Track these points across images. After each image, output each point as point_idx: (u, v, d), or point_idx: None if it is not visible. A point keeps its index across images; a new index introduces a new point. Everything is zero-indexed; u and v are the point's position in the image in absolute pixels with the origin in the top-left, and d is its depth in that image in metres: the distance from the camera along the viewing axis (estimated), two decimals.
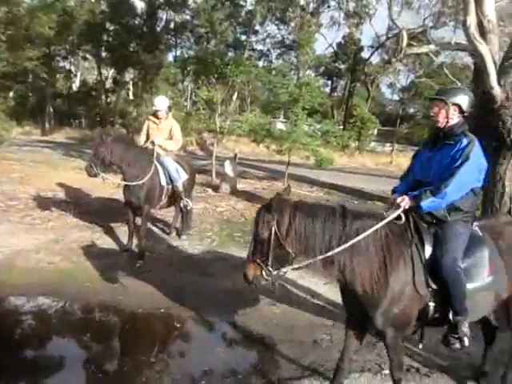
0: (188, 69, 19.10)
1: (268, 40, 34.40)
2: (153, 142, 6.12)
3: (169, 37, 29.96)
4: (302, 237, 2.76)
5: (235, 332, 4.32)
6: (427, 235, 2.96)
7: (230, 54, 26.07)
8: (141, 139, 6.41)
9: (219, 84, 11.66)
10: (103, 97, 28.84)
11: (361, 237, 2.75)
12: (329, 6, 29.41)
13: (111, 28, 26.97)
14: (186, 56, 29.68)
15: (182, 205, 6.32)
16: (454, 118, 3.04)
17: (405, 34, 10.60)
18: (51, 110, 27.70)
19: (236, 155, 11.56)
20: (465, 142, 2.95)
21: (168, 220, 7.29)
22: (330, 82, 35.79)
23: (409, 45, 11.55)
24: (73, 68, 35.02)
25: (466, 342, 2.95)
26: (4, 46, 13.20)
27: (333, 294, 5.01)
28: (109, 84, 31.15)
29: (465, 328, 2.93)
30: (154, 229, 6.95)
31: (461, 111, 3.04)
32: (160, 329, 4.50)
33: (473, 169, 2.93)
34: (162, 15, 29.32)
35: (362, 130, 25.13)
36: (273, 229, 2.73)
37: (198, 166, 10.83)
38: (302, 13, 29.15)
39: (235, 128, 12.46)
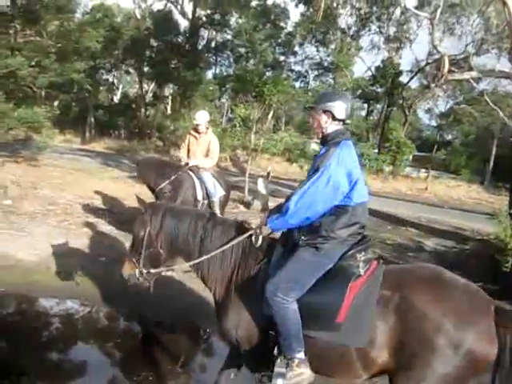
0: (226, 86, 19.49)
1: (306, 61, 34.75)
2: (187, 164, 6.32)
3: (209, 55, 30.76)
4: (168, 240, 2.84)
5: None
6: (276, 258, 2.66)
7: (268, 73, 26.36)
8: (181, 152, 6.59)
9: (256, 102, 11.80)
10: (142, 110, 29.66)
11: (218, 251, 2.73)
12: (369, 30, 29.43)
13: (155, 44, 27.89)
14: (225, 74, 30.36)
15: None
16: (329, 127, 2.67)
17: (446, 59, 10.49)
18: (92, 120, 28.70)
19: (269, 173, 11.53)
20: (323, 151, 2.60)
21: None
22: (366, 106, 35.60)
23: (450, 71, 11.41)
24: (115, 81, 36.30)
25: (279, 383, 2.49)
26: (54, 57, 13.82)
27: None
28: (148, 98, 32.07)
29: (280, 368, 2.49)
30: None
31: (335, 118, 2.65)
32: (183, 339, 4.51)
33: (324, 183, 2.48)
34: (204, 34, 30.16)
35: (397, 155, 24.75)
36: (147, 230, 2.82)
37: (231, 182, 10.92)
38: (343, 35, 29.29)
39: (270, 146, 12.54)
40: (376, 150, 25.34)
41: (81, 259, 5.74)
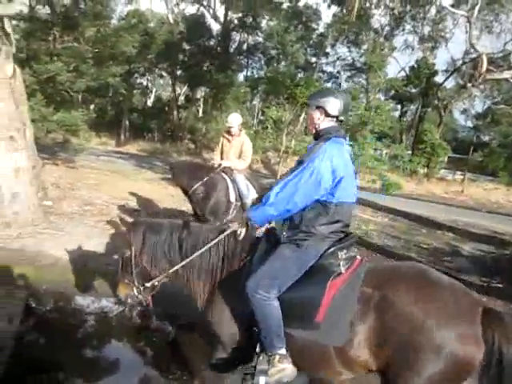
0: (258, 88, 19.57)
1: (338, 62, 34.46)
2: (220, 165, 6.36)
3: (241, 57, 30.94)
4: (150, 255, 2.88)
5: None
6: (259, 254, 2.64)
7: (299, 75, 26.30)
8: (215, 154, 6.65)
9: (288, 104, 11.81)
10: (175, 113, 30.12)
11: (196, 254, 2.76)
12: (403, 30, 28.93)
13: (187, 48, 28.30)
14: (257, 76, 30.46)
15: None
16: (323, 123, 2.65)
17: (484, 58, 10.19)
18: (127, 123, 29.38)
19: None
20: (311, 146, 2.61)
21: None
22: (399, 107, 34.96)
23: (488, 70, 11.06)
24: (149, 84, 37.03)
25: (261, 381, 2.46)
26: (91, 62, 14.27)
27: None
28: (181, 101, 32.55)
29: (262, 365, 2.48)
30: None
31: (328, 115, 2.62)
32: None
33: (307, 176, 2.44)
34: (236, 37, 30.39)
35: (432, 157, 24.19)
36: (132, 249, 2.87)
37: (263, 184, 10.94)
38: (376, 36, 28.90)
39: (301, 148, 12.51)
40: (410, 152, 24.84)
41: (116, 259, 5.86)
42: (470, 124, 39.31)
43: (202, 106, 32.00)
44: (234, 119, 6.47)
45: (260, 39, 31.35)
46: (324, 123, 2.65)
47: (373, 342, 2.31)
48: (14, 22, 8.71)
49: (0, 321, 4.44)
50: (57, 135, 13.91)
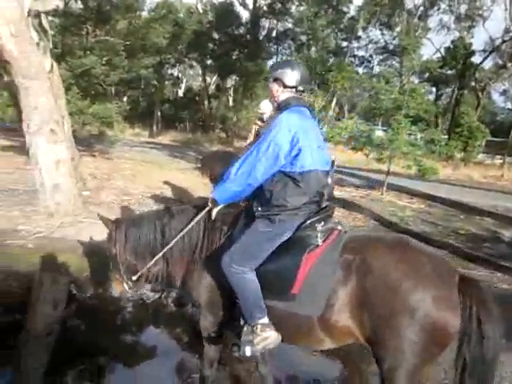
0: None
1: (370, 46, 33.69)
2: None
3: (270, 44, 30.69)
4: (134, 248, 2.90)
5: None
6: (237, 230, 2.65)
7: (330, 60, 25.86)
8: (249, 143, 6.64)
9: (320, 90, 11.67)
10: (206, 102, 30.33)
11: (176, 239, 2.78)
12: (439, 9, 27.94)
13: (217, 37, 28.32)
14: None
15: None
16: (282, 95, 2.63)
17: None
18: (159, 114, 29.81)
19: (333, 162, 11.44)
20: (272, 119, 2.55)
21: None
22: (434, 89, 33.92)
23: None
24: (180, 75, 37.33)
25: (247, 351, 2.51)
26: (124, 55, 14.52)
27: None
28: (211, 90, 32.70)
29: (247, 336, 2.52)
30: None
31: (285, 86, 2.61)
32: None
33: (264, 148, 2.42)
34: (265, 24, 30.14)
35: (469, 140, 23.43)
36: (116, 246, 2.90)
37: None
38: (409, 17, 28.03)
39: (334, 135, 12.36)
40: (446, 136, 24.12)
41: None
42: (509, 106, 37.76)
43: (232, 94, 32.05)
44: (266, 106, 6.44)
45: (289, 25, 30.99)
46: (283, 94, 2.64)
47: (353, 306, 2.33)
48: (49, 18, 8.94)
49: (46, 306, 4.67)
50: (92, 127, 14.27)
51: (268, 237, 2.49)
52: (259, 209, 2.55)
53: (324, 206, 2.59)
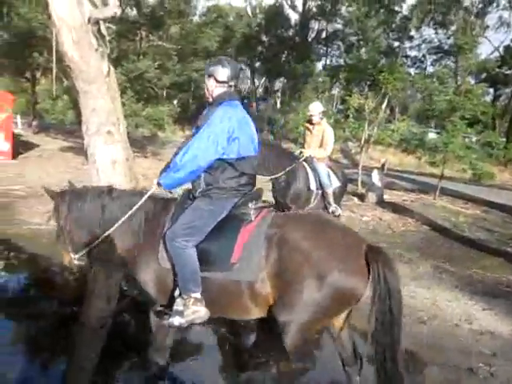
0: (340, 77, 19.15)
1: (423, 45, 32.65)
2: (301, 152, 6.32)
3: (319, 46, 30.48)
4: (76, 221, 2.97)
5: None
6: (180, 209, 2.82)
7: (381, 61, 25.28)
8: (299, 144, 6.64)
9: (370, 91, 11.44)
10: (254, 104, 30.53)
11: (124, 218, 2.88)
12: (497, 6, 26.64)
13: (265, 40, 28.48)
14: (336, 64, 29.84)
15: (330, 211, 6.33)
16: (215, 90, 2.87)
17: None
18: None
19: (384, 165, 11.20)
20: (206, 112, 2.87)
21: None
22: (492, 90, 32.35)
23: None
24: None
25: (175, 321, 2.71)
26: (176, 58, 14.91)
27: (493, 321, 4.53)
28: (259, 93, 32.90)
29: (179, 307, 2.71)
30: None
31: (218, 81, 2.84)
32: None
33: (205, 139, 2.68)
34: (314, 25, 29.98)
35: None
36: (60, 217, 2.98)
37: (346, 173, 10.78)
38: (466, 14, 26.92)
39: (385, 137, 12.06)
40: (504, 139, 22.95)
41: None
42: None
43: (280, 97, 32.08)
44: (315, 107, 6.42)
45: (339, 26, 30.64)
46: (217, 90, 2.87)
47: (273, 275, 2.58)
48: (107, 25, 9.31)
49: (100, 301, 4.86)
50: (144, 129, 14.74)
51: (209, 213, 2.73)
52: (200, 190, 2.80)
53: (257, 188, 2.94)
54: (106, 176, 6.91)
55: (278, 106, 32.69)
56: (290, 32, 28.58)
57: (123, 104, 10.53)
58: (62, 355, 3.45)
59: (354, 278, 2.49)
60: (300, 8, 28.86)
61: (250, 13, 31.15)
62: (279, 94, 32.30)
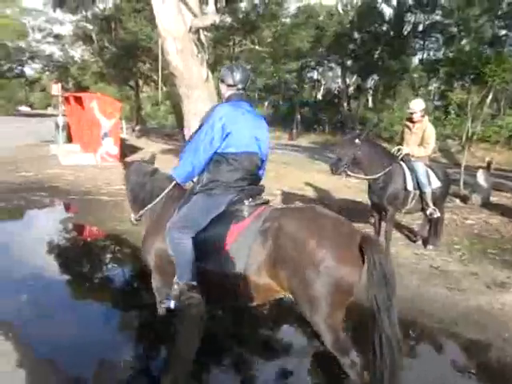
0: (439, 71, 18.07)
1: None
2: (399, 149, 6.10)
3: (416, 40, 29.05)
4: (130, 191, 3.58)
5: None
6: (183, 202, 3.07)
7: (486, 52, 23.38)
8: (397, 143, 6.43)
9: (474, 85, 10.66)
10: (345, 104, 30.00)
11: (158, 199, 3.33)
12: None
13: (357, 37, 27.83)
14: (434, 58, 28.21)
15: (428, 213, 6.04)
16: (226, 93, 3.15)
17: None
18: (298, 117, 30.39)
19: (490, 164, 10.39)
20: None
21: (413, 227, 7.09)
22: None
23: None
24: (319, 77, 37.58)
25: (172, 304, 2.97)
26: (269, 61, 15.17)
27: None
28: (350, 92, 32.24)
29: (175, 291, 2.95)
30: (399, 234, 6.85)
31: (228, 85, 3.12)
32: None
33: (203, 135, 2.95)
34: (410, 18, 28.64)
35: None
36: (125, 184, 3.63)
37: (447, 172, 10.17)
38: None
39: (491, 134, 11.18)
40: None
41: None
42: None
43: (371, 95, 31.16)
44: (417, 105, 6.16)
45: (438, 17, 28.90)
46: (228, 92, 3.15)
47: (270, 265, 2.70)
48: (205, 33, 9.79)
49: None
50: None
51: (206, 207, 2.93)
52: (199, 185, 3.03)
53: (257, 186, 3.12)
54: None
55: (370, 104, 31.76)
56: (384, 27, 27.61)
57: None
58: (164, 344, 3.66)
59: (347, 266, 2.57)
60: (394, 1, 27.78)
61: (341, 10, 30.64)
62: (371, 92, 31.38)
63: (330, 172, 6.01)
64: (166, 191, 3.30)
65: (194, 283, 2.92)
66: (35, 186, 9.53)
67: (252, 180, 3.07)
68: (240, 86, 3.14)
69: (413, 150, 6.08)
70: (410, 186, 5.91)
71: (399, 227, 7.12)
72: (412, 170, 5.97)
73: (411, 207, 6.04)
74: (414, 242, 6.62)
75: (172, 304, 2.99)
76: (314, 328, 2.68)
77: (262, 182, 3.25)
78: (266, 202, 3.11)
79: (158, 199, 3.34)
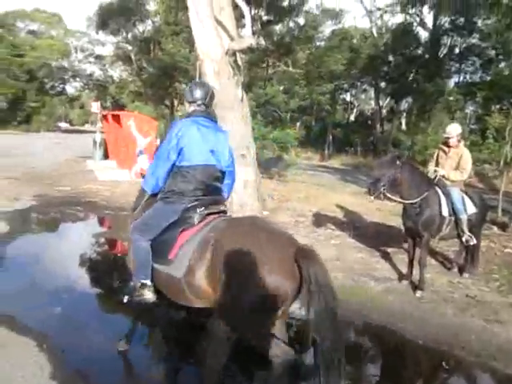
0: (477, 94, 17.75)
1: None
2: (435, 171, 5.99)
3: (451, 63, 28.70)
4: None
5: None
6: (148, 208, 3.38)
7: None
8: (429, 167, 6.31)
9: None
10: (378, 126, 29.77)
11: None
12: None
13: (392, 59, 27.75)
14: (470, 81, 27.76)
15: (464, 239, 5.87)
16: (189, 108, 3.41)
17: None
18: (330, 138, 30.35)
19: None
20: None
21: (447, 254, 6.90)
22: None
23: None
24: (352, 99, 37.54)
25: (125, 299, 3.35)
26: (303, 83, 15.32)
27: None
28: (383, 114, 32.01)
29: (130, 289, 3.32)
30: (433, 261, 6.67)
31: (189, 102, 3.41)
32: (427, 365, 4.21)
33: (162, 150, 3.25)
34: (447, 41, 28.35)
35: None
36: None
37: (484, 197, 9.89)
38: None
39: None
40: None
41: (331, 270, 6.06)
42: None
43: (405, 117, 30.82)
44: (453, 129, 6.06)
45: (475, 41, 28.51)
46: (190, 109, 3.40)
47: (208, 274, 2.81)
48: (241, 55, 10.00)
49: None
50: (268, 151, 15.31)
51: (162, 214, 3.17)
52: (161, 194, 3.30)
53: (213, 196, 3.27)
54: (238, 196, 7.34)
55: (404, 126, 31.39)
56: (419, 50, 27.44)
57: (252, 128, 11.13)
58: (191, 360, 3.69)
59: (281, 277, 2.61)
60: (430, 24, 27.62)
61: (375, 33, 30.70)
62: (405, 114, 31.06)
63: (363, 194, 5.93)
64: (144, 200, 3.57)
65: (148, 282, 3.18)
66: (72, 201, 9.82)
67: (208, 191, 3.26)
68: (200, 102, 3.36)
69: (449, 174, 5.96)
70: (446, 211, 5.76)
71: (434, 254, 6.94)
72: (447, 196, 5.84)
73: (446, 233, 5.88)
74: (449, 269, 6.43)
75: (125, 299, 3.35)
76: (242, 337, 2.86)
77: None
78: (222, 212, 3.30)
79: (138, 208, 3.60)
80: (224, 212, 3.33)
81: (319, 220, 8.64)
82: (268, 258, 2.63)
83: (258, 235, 2.78)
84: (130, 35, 32.87)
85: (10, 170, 13.09)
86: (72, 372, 3.38)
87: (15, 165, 14.58)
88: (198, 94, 3.35)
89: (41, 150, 21.87)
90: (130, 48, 33.48)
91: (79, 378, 3.33)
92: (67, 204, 9.44)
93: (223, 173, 3.39)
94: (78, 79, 55.79)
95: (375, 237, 7.71)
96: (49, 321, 4.18)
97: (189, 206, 3.14)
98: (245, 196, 7.36)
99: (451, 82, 29.72)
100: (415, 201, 5.61)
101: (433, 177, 6.00)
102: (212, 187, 3.29)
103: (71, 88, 59.60)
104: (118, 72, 47.82)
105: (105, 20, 31.06)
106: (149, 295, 3.23)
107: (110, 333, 4.02)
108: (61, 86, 56.19)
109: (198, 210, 3.13)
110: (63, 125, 64.02)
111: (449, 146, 6.10)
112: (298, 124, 33.79)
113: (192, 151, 3.17)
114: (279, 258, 2.65)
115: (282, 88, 19.74)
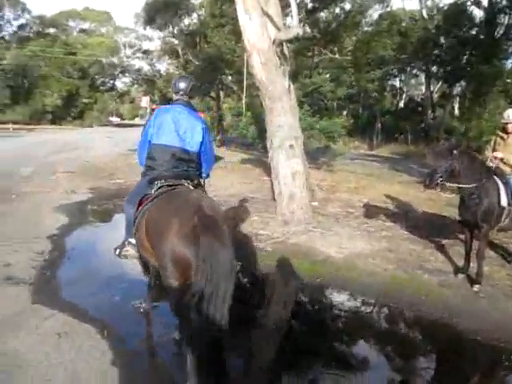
0: None
1: None
2: (495, 157, 5.70)
3: (509, 43, 27.05)
4: None
5: None
6: None
7: None
8: (487, 154, 6.01)
9: None
10: (429, 112, 28.66)
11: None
12: None
13: (443, 42, 26.53)
14: None
15: None
16: (174, 97, 4.04)
17: None
18: (379, 126, 29.57)
19: None
20: None
21: (507, 246, 6.59)
22: None
23: None
24: (401, 85, 36.34)
25: (117, 252, 3.92)
26: (351, 71, 15.01)
27: None
28: (435, 99, 30.77)
29: (121, 244, 3.90)
30: (492, 253, 6.38)
31: (173, 92, 4.06)
32: (485, 362, 4.09)
33: (143, 131, 3.92)
34: (504, 20, 26.73)
35: None
36: None
37: None
38: None
39: None
40: None
41: (382, 261, 5.98)
42: None
43: (458, 102, 29.50)
44: None
45: None
46: (175, 97, 4.01)
47: (147, 236, 3.29)
48: (288, 45, 9.91)
49: (277, 305, 5.16)
50: (315, 141, 15.14)
51: (140, 186, 3.77)
52: (142, 168, 3.94)
53: (174, 172, 3.69)
54: (287, 187, 7.33)
55: (457, 112, 30.06)
56: (474, 30, 26.02)
57: (299, 118, 11.04)
58: (242, 354, 3.78)
59: (182, 246, 2.90)
60: (485, 3, 26.12)
61: (425, 15, 29.41)
62: (457, 99, 29.71)
63: (414, 184, 5.77)
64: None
65: (132, 240, 3.71)
66: (125, 193, 10.06)
67: (168, 167, 3.68)
68: (182, 92, 3.95)
69: (508, 159, 5.66)
70: (505, 201, 5.48)
71: (492, 246, 6.64)
72: (506, 185, 5.55)
73: (505, 224, 5.60)
74: (509, 262, 6.14)
75: (117, 252, 3.90)
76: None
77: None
78: (181, 185, 3.64)
79: None
80: (174, 184, 3.70)
81: (369, 211, 8.48)
82: (176, 229, 2.98)
83: (175, 205, 3.21)
84: (176, 29, 33.44)
85: (66, 165, 13.76)
86: (132, 357, 3.55)
87: (71, 159, 15.31)
88: (181, 85, 3.95)
89: (94, 144, 22.80)
90: (176, 42, 34.06)
91: (139, 362, 3.50)
92: (121, 196, 9.77)
93: (194, 154, 3.80)
94: (127, 75, 57.54)
95: (428, 228, 7.48)
96: (108, 308, 4.39)
97: (151, 178, 3.68)
98: (294, 187, 7.33)
99: (509, 64, 28.08)
100: (469, 186, 5.34)
101: (491, 164, 5.72)
102: (173, 164, 3.71)
103: (121, 83, 61.61)
104: (164, 66, 48.88)
105: (152, 15, 31.77)
106: (132, 252, 3.87)
107: (168, 319, 4.17)
108: (111, 81, 58.19)
109: (157, 182, 3.62)
110: (114, 119, 66.45)
111: (507, 132, 5.81)
112: (345, 112, 33.16)
113: (161, 132, 3.73)
114: (183, 229, 2.96)
115: (328, 76, 19.41)
